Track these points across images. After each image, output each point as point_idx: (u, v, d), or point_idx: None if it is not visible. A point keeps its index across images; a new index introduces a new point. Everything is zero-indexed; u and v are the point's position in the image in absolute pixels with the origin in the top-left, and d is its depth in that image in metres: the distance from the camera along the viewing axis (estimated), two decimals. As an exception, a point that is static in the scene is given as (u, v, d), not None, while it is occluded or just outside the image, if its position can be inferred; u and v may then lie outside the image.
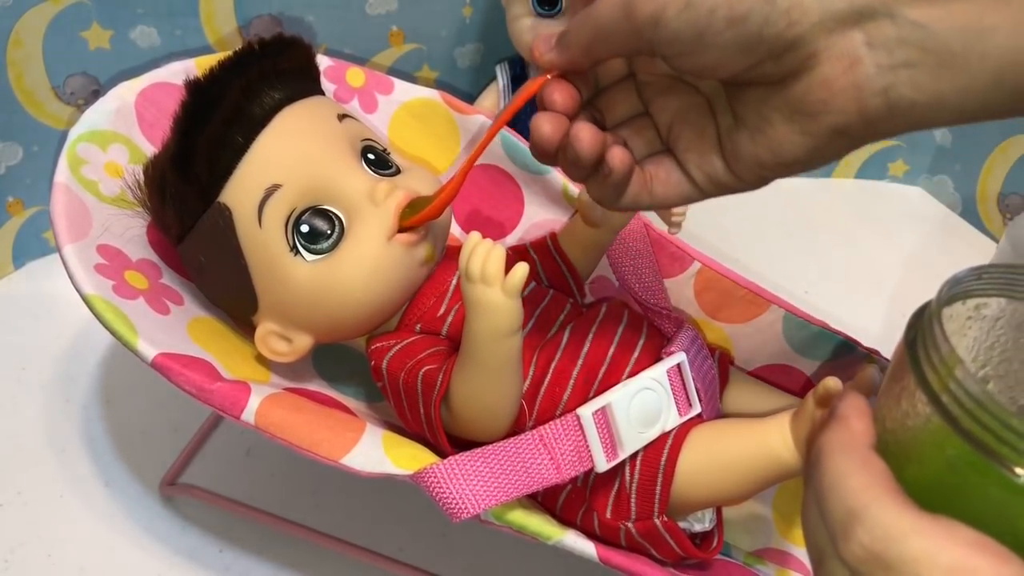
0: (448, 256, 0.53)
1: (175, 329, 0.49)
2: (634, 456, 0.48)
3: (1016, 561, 0.26)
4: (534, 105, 0.71)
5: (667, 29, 0.35)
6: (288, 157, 0.48)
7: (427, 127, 0.62)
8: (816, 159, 0.38)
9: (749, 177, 0.40)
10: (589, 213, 0.55)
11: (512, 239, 0.62)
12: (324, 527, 0.59)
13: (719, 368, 0.56)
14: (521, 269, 0.43)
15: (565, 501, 0.50)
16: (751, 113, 0.38)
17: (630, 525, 0.48)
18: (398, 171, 0.52)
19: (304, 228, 0.48)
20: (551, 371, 0.49)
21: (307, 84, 0.52)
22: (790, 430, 0.47)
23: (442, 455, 0.46)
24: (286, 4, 0.70)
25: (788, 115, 0.37)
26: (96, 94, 0.69)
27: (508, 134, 0.60)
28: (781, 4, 0.34)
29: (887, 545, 0.26)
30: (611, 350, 0.50)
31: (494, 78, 0.71)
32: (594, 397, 0.48)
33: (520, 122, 0.70)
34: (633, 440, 0.47)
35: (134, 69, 0.60)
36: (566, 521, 0.50)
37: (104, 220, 0.51)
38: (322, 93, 0.54)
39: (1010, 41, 0.32)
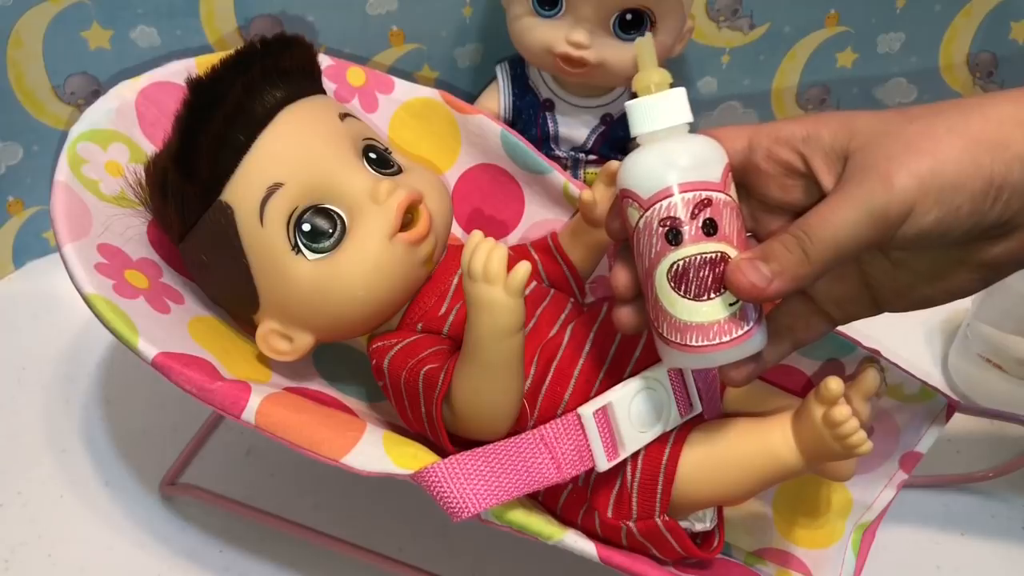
0: (449, 255, 0.53)
1: (175, 328, 0.49)
2: (635, 455, 0.48)
3: None
4: (535, 103, 0.71)
5: (915, 229, 0.38)
6: (290, 156, 0.48)
7: (427, 127, 0.62)
8: (983, 288, 0.42)
9: (904, 309, 0.44)
10: (590, 213, 0.55)
11: (513, 238, 0.62)
12: (324, 527, 0.59)
13: (720, 368, 0.55)
14: (523, 268, 0.43)
15: (566, 501, 0.50)
16: (925, 264, 0.41)
17: (631, 524, 0.48)
18: (400, 170, 0.52)
19: (306, 227, 0.48)
20: (552, 370, 0.49)
21: (309, 83, 0.52)
22: (791, 430, 0.47)
23: (444, 454, 0.45)
24: (286, 3, 0.70)
25: (975, 267, 0.40)
26: (96, 94, 0.69)
27: (508, 133, 0.60)
28: (1003, 194, 0.37)
29: None
30: (612, 350, 0.50)
31: (494, 78, 0.71)
32: (595, 396, 0.48)
33: (521, 120, 0.70)
34: (634, 440, 0.47)
35: (134, 69, 0.60)
36: (567, 521, 0.50)
37: (104, 219, 0.51)
38: (323, 92, 0.54)
39: None
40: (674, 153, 0.41)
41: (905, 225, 0.38)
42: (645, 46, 0.42)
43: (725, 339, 0.41)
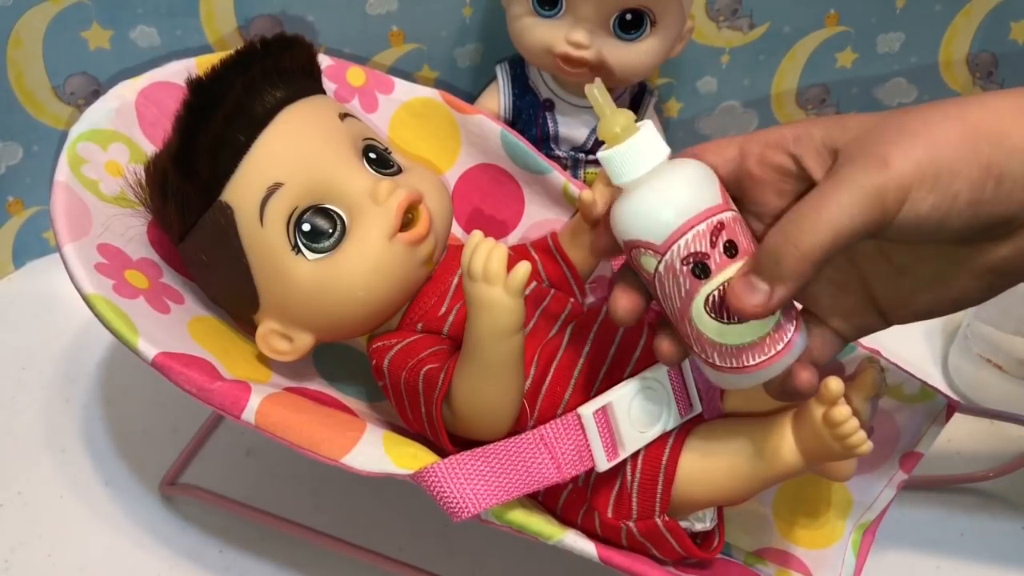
0: (449, 255, 0.53)
1: (175, 328, 0.49)
2: (635, 456, 0.48)
3: None
4: (535, 103, 0.71)
5: (913, 216, 0.36)
6: (290, 156, 0.48)
7: (427, 127, 0.62)
8: (988, 297, 0.40)
9: (909, 319, 0.42)
10: (589, 213, 0.55)
11: (513, 238, 0.62)
12: (324, 527, 0.59)
13: (720, 368, 0.55)
14: (523, 267, 0.43)
15: (566, 501, 0.50)
16: (929, 269, 0.40)
17: (631, 524, 0.48)
18: (399, 170, 0.52)
19: (306, 227, 0.48)
20: (552, 370, 0.49)
21: (308, 83, 0.52)
22: (791, 430, 0.47)
23: (444, 454, 0.46)
24: (286, 3, 0.70)
25: (979, 272, 0.39)
26: (96, 94, 0.69)
27: (508, 133, 0.60)
28: (1004, 184, 0.36)
29: None
30: (612, 350, 0.50)
31: (494, 78, 0.71)
32: (595, 396, 0.48)
33: (521, 120, 0.70)
34: (634, 440, 0.47)
35: (134, 69, 0.60)
36: (567, 521, 0.50)
37: (104, 219, 0.51)
38: (323, 92, 0.54)
39: None
40: (673, 189, 0.40)
41: (902, 212, 0.36)
42: (597, 93, 0.41)
43: (780, 346, 0.41)
